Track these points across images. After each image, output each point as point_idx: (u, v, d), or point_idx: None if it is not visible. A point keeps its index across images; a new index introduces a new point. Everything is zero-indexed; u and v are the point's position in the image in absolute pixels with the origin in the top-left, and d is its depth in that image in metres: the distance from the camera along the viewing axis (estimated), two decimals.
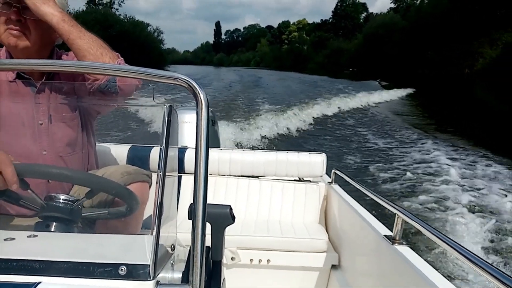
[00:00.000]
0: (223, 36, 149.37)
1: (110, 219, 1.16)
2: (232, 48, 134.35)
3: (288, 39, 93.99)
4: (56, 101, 1.43)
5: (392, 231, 1.58)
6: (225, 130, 8.33)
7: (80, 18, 34.57)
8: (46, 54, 1.46)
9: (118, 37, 37.63)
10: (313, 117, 12.26)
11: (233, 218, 1.00)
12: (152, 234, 0.87)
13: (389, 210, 1.61)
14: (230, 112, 12.19)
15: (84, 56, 1.36)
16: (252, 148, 7.33)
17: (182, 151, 2.16)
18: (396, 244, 1.51)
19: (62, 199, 1.05)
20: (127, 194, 1.16)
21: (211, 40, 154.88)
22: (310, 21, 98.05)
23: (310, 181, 2.54)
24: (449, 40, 30.42)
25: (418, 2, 47.10)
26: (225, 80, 30.74)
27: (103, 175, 1.31)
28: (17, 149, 1.34)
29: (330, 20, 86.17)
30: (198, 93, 0.81)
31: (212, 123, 3.19)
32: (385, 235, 1.61)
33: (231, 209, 1.00)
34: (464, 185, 5.75)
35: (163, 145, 0.94)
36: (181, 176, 2.13)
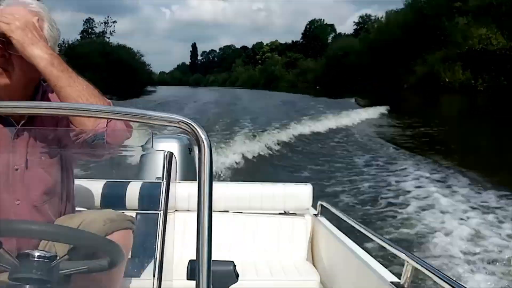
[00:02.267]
0: (199, 57, 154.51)
1: (91, 272, 1.01)
2: (208, 69, 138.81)
3: (261, 59, 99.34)
4: (36, 145, 1.31)
5: (397, 277, 1.53)
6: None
7: (79, 48, 39.89)
8: (29, 91, 1.32)
9: (115, 63, 43.52)
10: (294, 137, 12.08)
11: (237, 276, 0.94)
12: None
13: (390, 252, 1.55)
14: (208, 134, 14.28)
15: None
16: (230, 176, 7.34)
17: (158, 185, 2.03)
18: None
19: (37, 256, 0.91)
20: (111, 247, 1.03)
21: (187, 61, 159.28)
22: (283, 41, 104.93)
23: (295, 214, 2.40)
24: (392, 61, 37.23)
25: (373, 27, 54.23)
26: (202, 100, 31.04)
27: (82, 222, 1.20)
28: None
29: (301, 41, 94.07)
30: (201, 136, 0.76)
31: (188, 151, 3.05)
32: (391, 282, 1.51)
33: (234, 265, 0.95)
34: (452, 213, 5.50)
35: (163, 195, 0.89)
36: (158, 214, 1.90)
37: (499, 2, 26.97)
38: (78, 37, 51.25)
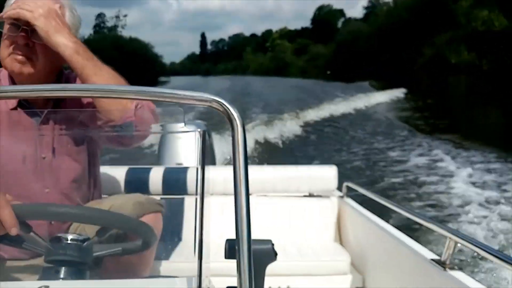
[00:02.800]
0: (208, 47, 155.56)
1: (125, 254, 1.03)
2: (218, 58, 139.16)
3: (271, 46, 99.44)
4: (61, 133, 1.31)
5: (439, 255, 1.48)
6: (219, 143, 8.31)
7: (94, 43, 41.22)
8: (52, 79, 1.33)
9: (129, 56, 44.86)
10: (310, 123, 11.99)
11: (276, 254, 0.94)
12: (194, 276, 0.82)
13: (422, 226, 1.59)
14: (224, 123, 13.97)
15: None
16: (251, 161, 7.36)
17: (182, 170, 2.08)
18: (448, 270, 1.39)
19: (70, 239, 0.94)
20: (143, 228, 1.06)
21: (196, 50, 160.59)
22: (292, 28, 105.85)
23: (321, 196, 2.39)
24: (402, 44, 37.86)
25: (382, 10, 54.54)
26: (215, 89, 31.12)
27: (111, 207, 1.19)
28: (17, 187, 1.20)
29: (310, 27, 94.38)
30: (234, 117, 0.75)
31: (208, 136, 3.00)
32: (432, 259, 1.48)
33: (272, 244, 0.94)
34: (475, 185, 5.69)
35: (199, 171, 0.90)
36: (183, 198, 1.95)
37: None
38: (91, 32, 52.34)
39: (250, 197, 1.77)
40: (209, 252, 0.98)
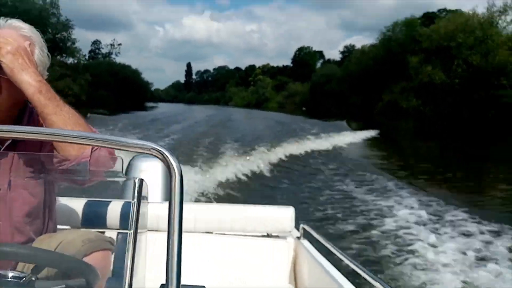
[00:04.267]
0: (193, 76, 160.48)
1: None
2: (202, 88, 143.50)
3: (253, 81, 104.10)
4: (19, 167, 1.31)
5: None
6: (187, 173, 8.18)
7: (92, 69, 45.10)
8: (15, 113, 1.36)
9: (123, 81, 49.17)
10: (281, 159, 12.29)
11: None
12: None
13: (364, 278, 1.62)
14: (195, 153, 12.21)
15: None
16: (216, 198, 7.52)
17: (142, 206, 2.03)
18: None
19: (11, 277, 0.93)
20: (86, 269, 1.05)
21: (181, 79, 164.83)
22: (275, 64, 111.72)
23: (278, 236, 2.40)
24: (368, 89, 43.15)
25: (353, 57, 60.41)
26: (199, 117, 33.34)
27: (61, 242, 1.20)
28: None
29: (291, 65, 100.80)
30: (171, 163, 0.79)
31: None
32: None
33: None
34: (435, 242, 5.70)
35: (133, 227, 0.91)
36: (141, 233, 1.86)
37: (443, 46, 33.40)
38: (87, 57, 56.10)
39: (209, 235, 2.12)
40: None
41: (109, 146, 0.88)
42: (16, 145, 1.33)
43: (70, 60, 38.54)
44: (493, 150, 19.71)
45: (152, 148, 0.80)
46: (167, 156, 0.80)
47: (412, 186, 9.78)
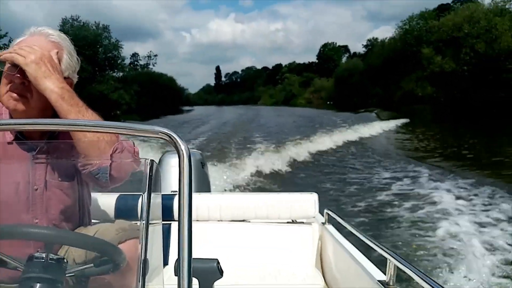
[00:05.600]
0: (223, 79, 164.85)
1: (96, 275, 1.09)
2: (232, 89, 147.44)
3: (281, 79, 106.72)
4: (54, 166, 1.38)
5: (385, 276, 1.58)
6: (218, 169, 8.60)
7: (131, 78, 50.00)
8: (47, 117, 1.39)
9: (162, 88, 54.14)
10: (309, 153, 12.35)
11: (221, 272, 1.00)
12: None
13: (381, 254, 1.61)
14: (225, 150, 12.56)
15: (79, 139, 1.32)
16: (244, 189, 7.71)
17: (170, 197, 2.15)
18: None
19: (43, 258, 1.00)
20: (111, 249, 1.12)
21: (210, 82, 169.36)
22: (301, 61, 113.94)
23: (303, 222, 2.47)
24: (387, 80, 46.12)
25: (373, 51, 63.08)
26: (227, 117, 34.70)
27: (96, 232, 1.29)
28: (8, 217, 1.27)
29: (316, 61, 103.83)
30: (179, 145, 0.82)
31: (201, 166, 3.24)
32: (378, 280, 1.60)
33: (218, 262, 1.00)
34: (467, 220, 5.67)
35: (145, 198, 0.95)
36: (169, 224, 2.03)
37: (452, 36, 36.44)
38: (127, 70, 61.34)
39: (234, 223, 2.38)
40: (163, 276, 1.04)
41: (119, 132, 0.96)
42: (50, 147, 1.41)
43: (120, 74, 43.76)
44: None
45: (159, 132, 0.83)
46: (174, 138, 0.83)
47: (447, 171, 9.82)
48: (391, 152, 13.84)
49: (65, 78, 1.40)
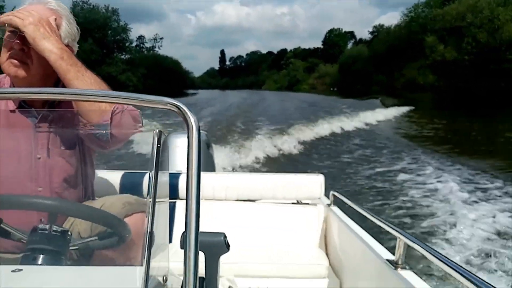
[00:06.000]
0: (227, 63, 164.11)
1: (101, 248, 1.08)
2: (236, 73, 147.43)
3: (285, 64, 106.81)
4: (56, 135, 1.38)
5: (394, 255, 1.56)
6: (222, 151, 8.56)
7: (138, 60, 50.79)
8: (50, 84, 1.41)
9: (167, 70, 54.90)
10: (315, 137, 12.36)
11: (228, 246, 0.98)
12: (142, 265, 0.86)
13: (390, 233, 1.59)
14: (229, 133, 12.41)
15: (79, 101, 1.30)
16: (250, 171, 7.65)
17: (176, 176, 2.16)
18: (399, 269, 1.50)
19: (47, 230, 1.00)
20: (116, 222, 1.11)
21: (215, 65, 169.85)
22: (306, 46, 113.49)
23: (308, 203, 2.48)
24: (391, 67, 46.69)
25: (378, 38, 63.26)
26: (233, 100, 34.50)
27: (102, 206, 1.26)
28: (11, 185, 1.27)
29: (322, 47, 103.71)
30: (189, 117, 0.81)
31: (207, 147, 3.24)
32: (387, 260, 1.59)
33: (225, 236, 0.99)
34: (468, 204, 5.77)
35: (153, 171, 0.93)
36: (175, 202, 2.04)
37: (455, 26, 36.89)
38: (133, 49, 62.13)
39: (240, 203, 2.40)
40: (168, 251, 1.04)
41: (128, 102, 0.93)
42: (50, 115, 1.39)
43: (127, 56, 44.61)
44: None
45: (168, 103, 0.82)
46: (183, 109, 0.81)
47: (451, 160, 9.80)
48: (398, 139, 13.87)
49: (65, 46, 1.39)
